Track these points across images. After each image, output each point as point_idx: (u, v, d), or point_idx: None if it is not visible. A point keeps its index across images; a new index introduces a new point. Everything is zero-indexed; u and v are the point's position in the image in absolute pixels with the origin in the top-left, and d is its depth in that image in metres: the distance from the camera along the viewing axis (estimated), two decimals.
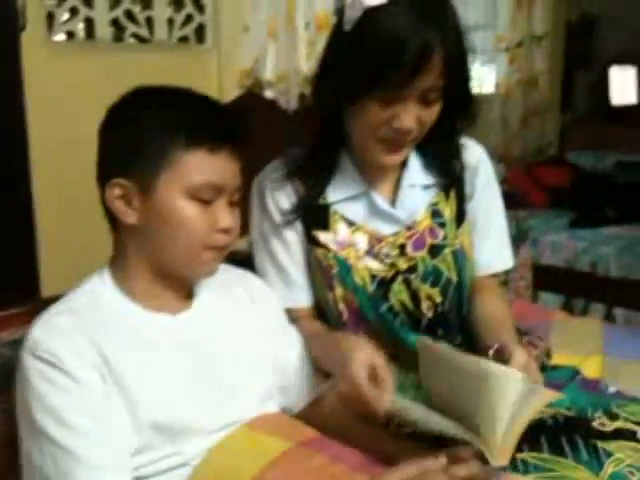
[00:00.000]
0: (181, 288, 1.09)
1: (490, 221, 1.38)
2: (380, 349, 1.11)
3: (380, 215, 1.29)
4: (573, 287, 2.08)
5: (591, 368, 1.43)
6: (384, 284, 1.27)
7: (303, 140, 1.33)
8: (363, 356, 1.05)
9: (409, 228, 1.29)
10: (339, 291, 1.28)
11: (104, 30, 2.28)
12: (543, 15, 4.09)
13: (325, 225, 1.29)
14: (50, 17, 2.16)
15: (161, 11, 2.47)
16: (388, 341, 1.27)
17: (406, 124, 1.16)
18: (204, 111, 1.04)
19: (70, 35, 2.25)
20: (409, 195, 1.30)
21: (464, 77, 1.21)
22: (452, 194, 1.33)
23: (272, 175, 1.31)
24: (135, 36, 2.42)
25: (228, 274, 1.18)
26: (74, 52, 2.22)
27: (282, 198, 1.30)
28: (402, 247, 1.28)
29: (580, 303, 2.23)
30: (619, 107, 4.41)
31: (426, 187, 1.32)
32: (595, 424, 1.10)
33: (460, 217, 1.33)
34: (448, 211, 1.32)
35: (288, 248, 1.31)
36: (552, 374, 1.31)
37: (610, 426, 1.10)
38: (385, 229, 1.29)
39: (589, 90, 4.65)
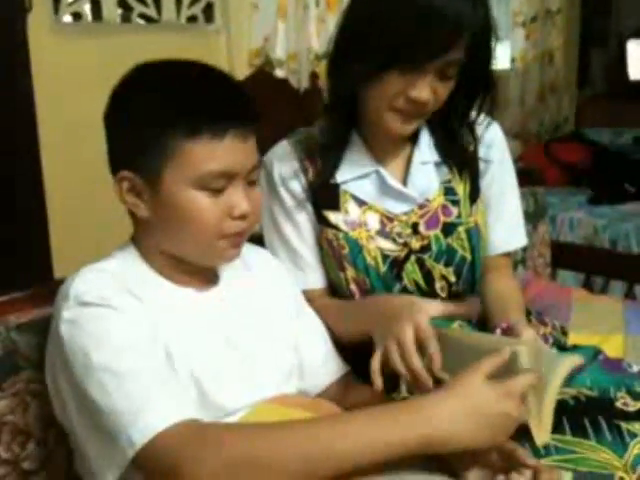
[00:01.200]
0: (205, 269, 1.07)
1: (503, 199, 1.36)
2: None
3: (391, 194, 1.27)
4: (593, 264, 2.05)
5: (612, 347, 1.41)
6: (397, 264, 1.25)
7: (314, 119, 1.30)
8: (420, 315, 1.03)
9: (421, 206, 1.27)
10: (350, 272, 1.26)
11: (111, 11, 2.25)
12: None
13: (335, 205, 1.26)
14: None
15: None
16: None
17: (423, 95, 1.13)
18: (204, 95, 0.96)
19: (77, 16, 2.22)
20: (421, 172, 1.28)
21: (486, 55, 1.17)
22: (465, 171, 1.30)
23: (280, 156, 1.29)
24: (142, 16, 2.39)
25: (249, 253, 1.16)
26: (81, 34, 2.19)
27: (291, 179, 1.27)
28: (415, 226, 1.26)
29: (600, 281, 2.20)
30: (637, 82, 4.34)
31: (438, 164, 1.29)
32: (618, 404, 1.09)
33: (474, 194, 1.30)
34: (461, 188, 1.29)
35: (299, 230, 1.28)
36: (573, 354, 1.29)
37: (634, 406, 1.09)
38: (396, 208, 1.27)
39: (606, 66, 4.58)
